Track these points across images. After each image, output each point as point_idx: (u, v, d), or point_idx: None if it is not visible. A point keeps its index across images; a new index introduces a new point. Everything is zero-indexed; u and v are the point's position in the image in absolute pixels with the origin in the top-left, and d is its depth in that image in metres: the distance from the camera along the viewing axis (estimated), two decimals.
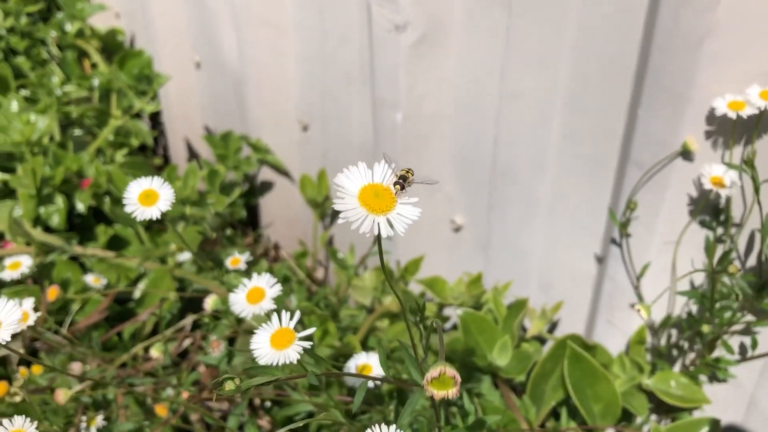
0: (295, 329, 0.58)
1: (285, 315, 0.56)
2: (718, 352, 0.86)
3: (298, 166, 1.42)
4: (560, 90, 0.89)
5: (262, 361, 0.54)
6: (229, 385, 0.48)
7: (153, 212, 0.65)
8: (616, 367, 0.89)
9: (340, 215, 0.44)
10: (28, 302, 0.72)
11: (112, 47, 1.80)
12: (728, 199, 0.79)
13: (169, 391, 0.94)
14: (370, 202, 0.45)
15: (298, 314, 0.56)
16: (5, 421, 0.62)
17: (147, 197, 0.65)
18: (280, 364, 0.53)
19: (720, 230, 0.82)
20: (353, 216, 0.44)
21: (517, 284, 1.06)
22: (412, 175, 0.48)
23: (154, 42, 1.62)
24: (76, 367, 0.91)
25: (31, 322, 0.71)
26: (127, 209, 0.64)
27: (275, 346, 0.54)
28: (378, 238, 0.46)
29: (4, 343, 0.53)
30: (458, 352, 0.90)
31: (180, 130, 1.70)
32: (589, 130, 0.88)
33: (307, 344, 0.54)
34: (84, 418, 0.90)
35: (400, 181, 0.47)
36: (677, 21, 0.71)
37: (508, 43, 0.92)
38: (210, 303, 0.76)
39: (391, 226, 0.44)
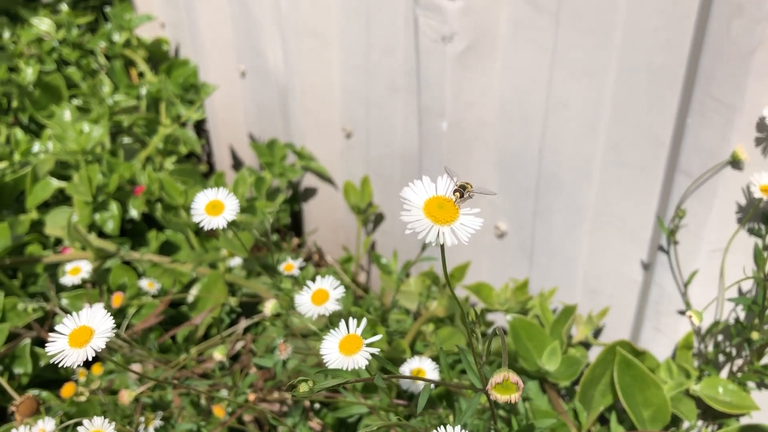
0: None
1: (352, 322, 0.59)
2: (767, 359, 0.87)
3: (341, 172, 1.45)
4: (607, 99, 0.90)
5: (331, 366, 0.56)
6: (303, 387, 0.51)
7: (219, 222, 0.68)
8: (663, 372, 0.90)
9: (408, 226, 0.46)
10: (98, 307, 0.75)
11: (158, 57, 1.85)
12: None
13: (224, 393, 0.97)
14: (435, 214, 0.47)
15: (364, 322, 0.59)
16: (85, 421, 0.65)
17: (213, 207, 0.68)
18: (349, 369, 0.56)
19: None
20: (419, 227, 0.46)
21: (561, 290, 1.08)
22: (471, 187, 0.50)
23: (200, 52, 1.66)
24: (136, 369, 0.94)
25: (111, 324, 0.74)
26: (195, 219, 0.67)
27: (344, 352, 0.57)
28: (441, 248, 0.49)
29: (99, 350, 0.56)
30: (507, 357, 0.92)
31: (224, 137, 1.74)
32: (636, 138, 0.89)
33: (375, 350, 0.57)
34: (142, 418, 0.94)
35: (460, 189, 0.49)
36: (729, 31, 0.72)
37: (554, 53, 0.93)
38: (270, 307, 0.78)
39: (456, 236, 0.47)
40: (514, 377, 0.49)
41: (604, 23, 0.86)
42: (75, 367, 1.10)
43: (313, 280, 0.72)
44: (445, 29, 1.00)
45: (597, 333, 1.06)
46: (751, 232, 0.83)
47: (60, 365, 0.56)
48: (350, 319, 0.59)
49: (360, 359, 0.57)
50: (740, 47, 0.72)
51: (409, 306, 1.11)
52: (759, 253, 0.80)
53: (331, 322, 0.65)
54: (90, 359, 0.56)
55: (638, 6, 0.81)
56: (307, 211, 1.56)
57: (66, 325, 0.58)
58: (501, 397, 0.49)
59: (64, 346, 0.56)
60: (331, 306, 0.69)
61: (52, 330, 0.59)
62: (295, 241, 1.60)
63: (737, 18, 0.71)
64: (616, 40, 0.86)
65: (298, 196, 1.55)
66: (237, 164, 1.76)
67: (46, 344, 0.57)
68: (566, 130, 0.97)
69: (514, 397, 0.49)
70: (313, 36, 1.32)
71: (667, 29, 0.80)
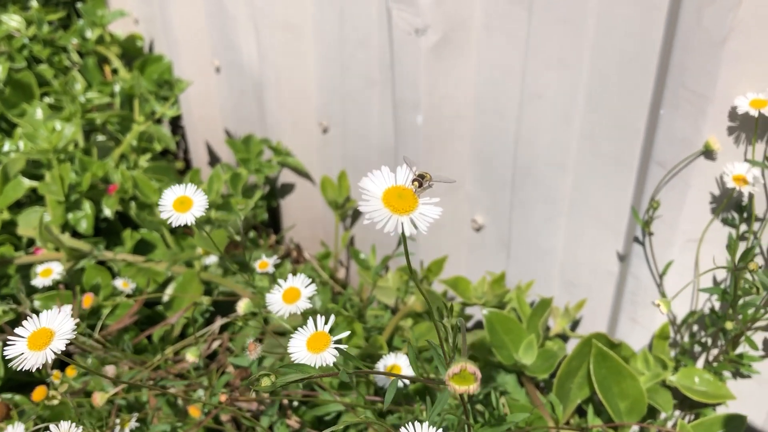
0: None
1: (320, 319, 0.58)
2: (742, 348, 0.87)
3: (318, 167, 1.44)
4: (581, 89, 0.90)
5: None
6: (265, 382, 0.50)
7: (187, 218, 0.67)
8: (639, 363, 0.90)
9: (366, 216, 0.46)
10: (66, 309, 0.74)
11: (132, 53, 1.83)
12: (751, 197, 0.80)
13: (201, 393, 0.96)
14: (393, 203, 0.46)
15: (332, 319, 0.58)
16: (52, 426, 0.64)
17: (181, 204, 0.67)
18: (317, 366, 0.55)
19: (743, 227, 0.82)
20: (378, 217, 0.46)
21: (539, 282, 1.07)
22: (430, 177, 0.50)
23: (174, 47, 1.64)
24: (109, 370, 0.93)
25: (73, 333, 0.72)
26: (163, 216, 0.66)
27: (312, 349, 0.56)
28: (402, 237, 0.48)
29: (59, 352, 0.55)
30: (484, 351, 0.91)
31: (200, 133, 1.72)
32: (610, 129, 0.88)
33: (342, 347, 0.56)
34: (117, 420, 0.92)
35: (419, 178, 0.49)
36: (700, 20, 0.72)
37: (527, 44, 0.93)
38: (242, 306, 0.77)
39: (415, 225, 0.46)
40: (471, 367, 0.48)
41: (576, 12, 0.85)
42: (49, 369, 1.08)
43: (294, 275, 0.71)
44: (419, 22, 0.99)
45: (574, 325, 1.06)
46: (725, 222, 0.83)
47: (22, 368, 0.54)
48: (318, 316, 0.58)
49: (328, 356, 0.56)
50: (711, 36, 0.72)
51: (386, 301, 1.10)
52: (732, 243, 0.80)
53: (305, 319, 0.64)
54: (50, 361, 0.55)
55: None
56: (285, 206, 1.55)
57: (26, 327, 0.56)
58: (459, 388, 0.48)
59: (23, 349, 0.55)
60: (303, 304, 0.68)
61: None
62: (274, 237, 1.59)
63: (708, 6, 0.71)
64: (588, 29, 0.85)
65: (276, 191, 1.54)
66: (214, 160, 1.74)
67: (5, 347, 0.56)
68: (541, 121, 0.96)
69: (472, 387, 0.48)
70: (287, 29, 1.30)
71: (639, 18, 0.79)
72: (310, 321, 0.58)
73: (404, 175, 0.49)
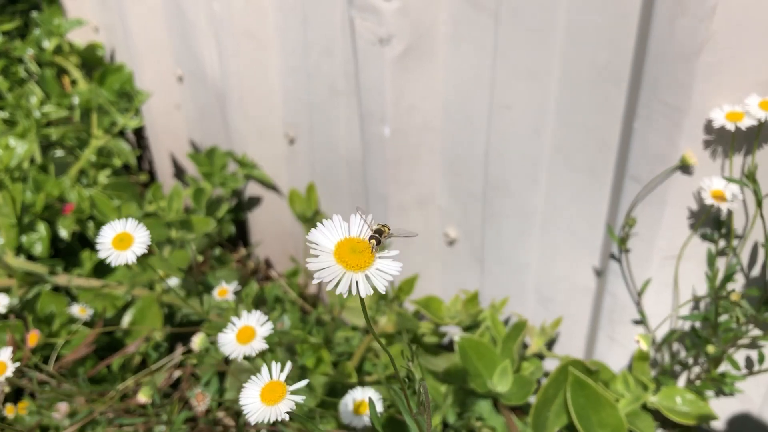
0: (289, 359, 0.56)
1: (276, 367, 0.53)
2: (724, 366, 0.84)
3: (286, 180, 1.39)
4: (551, 100, 0.86)
5: (252, 418, 0.51)
6: None
7: (128, 256, 0.62)
8: (619, 385, 0.86)
9: (315, 275, 0.41)
10: (6, 353, 0.69)
11: (92, 62, 1.76)
12: (730, 212, 0.76)
13: (162, 428, 0.91)
14: (346, 259, 0.41)
15: (288, 366, 0.53)
16: None
17: (121, 241, 0.62)
18: (271, 421, 0.50)
19: (722, 243, 0.79)
20: (328, 275, 0.41)
21: (514, 298, 1.04)
22: (389, 229, 0.45)
23: (135, 56, 1.58)
24: (62, 408, 0.88)
25: (9, 373, 0.68)
26: (101, 255, 0.61)
27: (266, 401, 0.52)
28: (359, 297, 0.43)
29: None
30: (458, 377, 0.87)
31: (165, 145, 1.67)
32: (582, 142, 0.85)
33: (299, 398, 0.51)
34: None
35: (376, 235, 0.44)
36: (672, 31, 0.68)
37: (495, 53, 0.89)
38: (197, 342, 0.72)
39: (371, 283, 0.41)
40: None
41: (545, 21, 0.81)
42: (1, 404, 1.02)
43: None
44: (382, 31, 0.94)
45: (551, 343, 1.02)
46: (704, 237, 0.79)
47: None
48: (273, 363, 0.54)
49: (283, 408, 0.51)
50: (685, 48, 0.68)
51: (357, 322, 1.06)
52: (712, 259, 0.77)
53: (263, 356, 0.59)
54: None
55: (579, 3, 0.77)
56: (253, 220, 1.50)
57: None
58: None
59: None
60: (258, 345, 0.63)
61: None
62: (243, 251, 1.54)
63: (681, 17, 0.67)
64: (558, 38, 0.81)
65: (243, 205, 1.49)
66: (179, 172, 1.69)
67: None
68: (511, 132, 0.92)
69: None
70: (249, 37, 1.25)
71: (610, 27, 0.76)
72: (264, 369, 0.54)
73: (358, 226, 0.44)
